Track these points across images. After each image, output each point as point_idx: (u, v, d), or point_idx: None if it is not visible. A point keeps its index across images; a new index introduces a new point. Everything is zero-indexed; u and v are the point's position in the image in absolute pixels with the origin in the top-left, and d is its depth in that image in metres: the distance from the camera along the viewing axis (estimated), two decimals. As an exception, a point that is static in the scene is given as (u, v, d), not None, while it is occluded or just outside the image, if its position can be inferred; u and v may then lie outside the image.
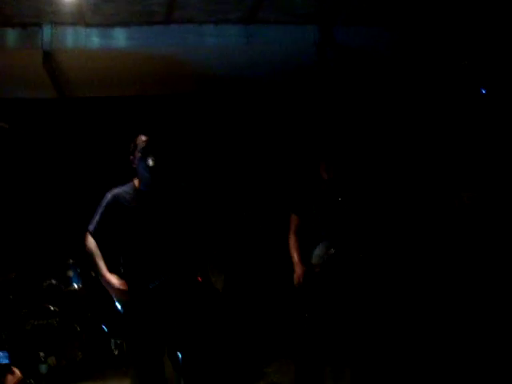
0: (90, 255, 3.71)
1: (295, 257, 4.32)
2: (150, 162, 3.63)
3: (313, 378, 4.21)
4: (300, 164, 5.98)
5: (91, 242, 3.71)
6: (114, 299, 3.70)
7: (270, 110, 6.42)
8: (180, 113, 6.39)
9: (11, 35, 5.01)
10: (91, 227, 3.74)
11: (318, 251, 4.23)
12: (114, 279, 3.62)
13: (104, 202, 3.76)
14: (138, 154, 3.71)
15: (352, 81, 5.89)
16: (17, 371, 3.07)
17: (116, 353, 5.96)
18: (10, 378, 3.02)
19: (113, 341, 5.87)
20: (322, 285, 4.17)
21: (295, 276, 4.26)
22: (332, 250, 4.14)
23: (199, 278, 3.98)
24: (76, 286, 6.06)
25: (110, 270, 3.70)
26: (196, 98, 6.36)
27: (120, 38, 5.10)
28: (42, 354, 5.57)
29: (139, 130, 3.87)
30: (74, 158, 6.64)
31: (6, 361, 3.09)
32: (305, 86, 6.09)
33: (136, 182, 3.80)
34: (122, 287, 3.61)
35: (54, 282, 6.02)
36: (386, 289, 4.40)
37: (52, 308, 5.86)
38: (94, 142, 6.51)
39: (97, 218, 3.75)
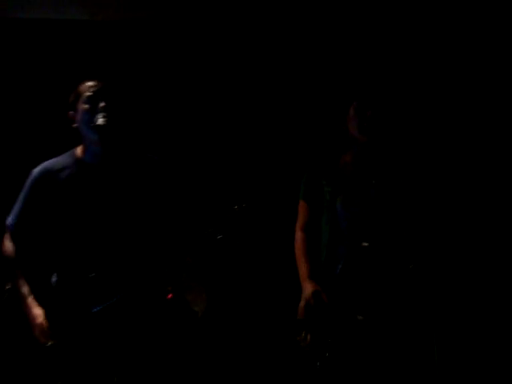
0: (6, 261, 3.03)
1: (302, 268, 3.27)
2: (100, 119, 2.85)
3: None
4: (315, 121, 4.49)
5: (9, 243, 3.02)
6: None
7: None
8: (139, 47, 4.75)
9: None
10: (10, 221, 3.05)
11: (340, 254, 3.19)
12: (36, 310, 2.88)
13: (28, 184, 3.03)
14: (82, 107, 2.94)
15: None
16: None
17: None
18: None
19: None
20: (344, 305, 3.10)
21: (301, 299, 3.19)
22: (365, 244, 3.06)
23: (169, 295, 3.25)
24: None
25: (38, 284, 3.01)
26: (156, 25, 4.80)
27: None
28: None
29: (82, 71, 3.21)
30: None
31: None
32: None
33: (78, 150, 3.04)
34: (44, 326, 2.85)
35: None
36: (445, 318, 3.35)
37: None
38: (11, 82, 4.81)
39: (18, 206, 3.04)
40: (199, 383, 4.30)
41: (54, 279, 3.05)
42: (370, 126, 3.08)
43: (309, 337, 3.11)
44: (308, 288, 3.17)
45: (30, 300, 2.94)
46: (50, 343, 2.87)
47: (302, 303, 3.16)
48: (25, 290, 2.97)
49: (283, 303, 4.32)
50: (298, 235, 3.33)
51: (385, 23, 4.52)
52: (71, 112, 3.03)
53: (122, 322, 2.93)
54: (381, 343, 3.06)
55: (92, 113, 2.92)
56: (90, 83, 3.00)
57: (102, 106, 2.90)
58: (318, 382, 3.11)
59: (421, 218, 3.14)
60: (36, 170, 3.04)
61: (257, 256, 4.70)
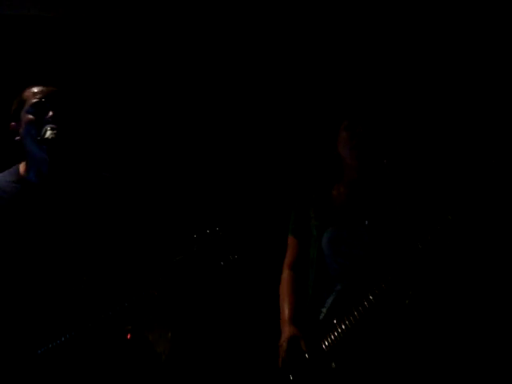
0: None
1: (285, 310, 2.95)
2: (48, 131, 2.50)
3: None
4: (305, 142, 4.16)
5: None
6: None
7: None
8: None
9: None
10: None
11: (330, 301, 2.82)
12: None
13: None
14: (27, 117, 2.58)
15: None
16: None
17: None
18: None
19: None
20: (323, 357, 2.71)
21: (280, 345, 2.87)
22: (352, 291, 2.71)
23: (128, 336, 2.92)
24: None
25: None
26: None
27: None
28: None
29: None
30: None
31: None
32: None
33: (21, 167, 2.69)
34: None
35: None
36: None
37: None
38: None
39: None
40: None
41: None
42: (361, 143, 2.77)
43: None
44: (286, 332, 2.89)
45: None
46: None
47: (280, 348, 2.85)
48: None
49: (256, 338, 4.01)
50: (285, 273, 3.04)
51: (375, 37, 4.31)
52: (13, 123, 2.67)
53: (69, 368, 2.51)
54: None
55: (38, 124, 2.56)
56: (36, 88, 2.65)
57: (51, 116, 2.55)
58: None
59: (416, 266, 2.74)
60: None
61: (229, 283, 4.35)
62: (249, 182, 4.31)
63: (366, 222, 2.77)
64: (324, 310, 2.82)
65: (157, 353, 3.93)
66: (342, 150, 2.85)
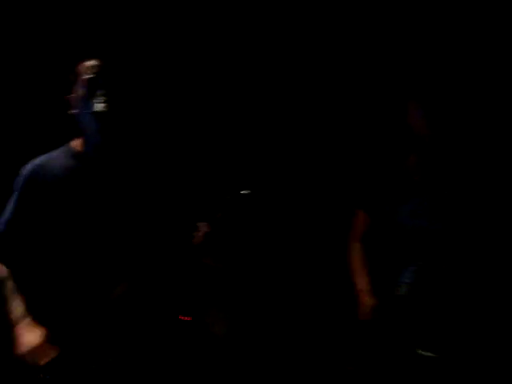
0: None
1: (361, 281, 3.35)
2: (100, 105, 2.85)
3: None
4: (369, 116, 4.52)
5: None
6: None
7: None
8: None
9: None
10: (1, 225, 2.99)
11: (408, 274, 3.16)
12: (31, 333, 2.82)
13: (20, 183, 2.98)
14: (81, 91, 2.90)
15: None
16: None
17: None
18: None
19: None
20: (404, 336, 3.13)
21: (360, 312, 3.32)
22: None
23: (186, 318, 3.53)
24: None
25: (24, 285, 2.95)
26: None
27: None
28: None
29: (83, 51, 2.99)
30: None
31: None
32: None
33: (76, 141, 3.02)
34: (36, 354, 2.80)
35: None
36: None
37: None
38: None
39: (10, 209, 2.99)
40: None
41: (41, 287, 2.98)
42: (433, 117, 3.10)
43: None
44: (367, 302, 3.27)
45: (26, 320, 2.88)
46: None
47: (361, 315, 3.28)
48: (14, 303, 2.92)
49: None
50: (355, 246, 3.42)
51: (444, 25, 4.61)
52: (68, 96, 2.98)
53: (123, 346, 2.94)
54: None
55: (91, 98, 2.87)
56: (91, 62, 2.95)
57: (102, 91, 2.86)
58: None
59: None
60: (27, 168, 3.00)
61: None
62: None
63: (446, 193, 3.15)
64: (403, 284, 3.16)
65: (214, 334, 4.38)
66: (413, 121, 3.16)
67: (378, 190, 3.37)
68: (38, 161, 3.00)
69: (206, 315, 4.09)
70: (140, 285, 3.00)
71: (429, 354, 3.07)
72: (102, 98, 2.85)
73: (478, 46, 4.46)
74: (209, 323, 4.16)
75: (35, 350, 2.83)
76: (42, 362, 2.82)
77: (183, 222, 3.20)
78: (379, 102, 4.18)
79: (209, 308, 4.17)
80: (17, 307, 2.91)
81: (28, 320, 2.87)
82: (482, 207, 3.16)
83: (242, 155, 4.68)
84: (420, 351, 3.08)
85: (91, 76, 2.90)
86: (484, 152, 3.38)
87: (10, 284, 2.95)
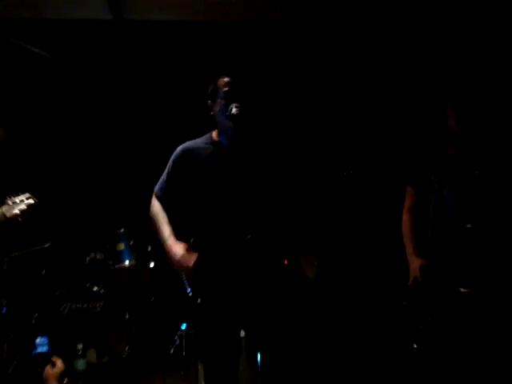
0: (153, 219, 4.00)
1: (409, 245, 4.14)
2: (234, 110, 3.71)
3: None
4: (420, 116, 5.82)
5: (156, 206, 4.00)
6: (182, 279, 3.85)
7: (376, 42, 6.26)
8: (265, 45, 6.22)
9: None
10: (157, 189, 4.03)
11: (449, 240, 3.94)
12: (177, 247, 3.79)
13: (172, 159, 3.97)
14: (220, 100, 3.82)
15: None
16: (58, 362, 3.23)
17: (172, 351, 6.23)
18: (50, 369, 3.18)
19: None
20: (448, 278, 3.91)
21: (410, 272, 4.04)
22: (469, 226, 3.88)
23: (285, 261, 4.18)
24: (128, 262, 6.09)
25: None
26: (283, 27, 6.19)
27: None
28: (79, 346, 5.63)
29: (216, 66, 4.01)
30: (130, 94, 6.63)
31: (45, 349, 3.25)
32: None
33: (214, 134, 3.96)
34: (185, 258, 3.76)
35: (99, 256, 6.12)
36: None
37: (95, 289, 5.96)
38: (158, 78, 6.46)
39: (164, 177, 4.00)
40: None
41: (191, 241, 3.92)
42: (466, 121, 3.91)
43: (414, 304, 3.97)
44: (415, 262, 3.99)
45: (172, 242, 3.83)
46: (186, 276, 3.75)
47: (411, 275, 3.98)
48: (166, 232, 3.89)
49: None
50: (406, 216, 4.21)
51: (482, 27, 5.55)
52: (210, 101, 3.87)
53: (247, 280, 3.64)
54: (482, 317, 3.81)
55: (227, 104, 3.72)
56: (226, 78, 3.83)
57: (236, 99, 3.72)
58: (420, 343, 3.93)
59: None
60: (180, 148, 3.93)
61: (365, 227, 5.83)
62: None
63: (476, 172, 3.90)
64: (445, 245, 3.93)
65: (307, 276, 5.40)
66: (452, 125, 3.99)
67: (425, 173, 4.12)
68: (187, 143, 3.95)
69: (300, 260, 5.10)
70: (262, 235, 3.69)
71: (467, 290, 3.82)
72: (235, 105, 3.69)
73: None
74: (302, 267, 5.22)
75: (183, 257, 3.74)
76: (189, 265, 3.69)
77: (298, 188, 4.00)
78: (430, 109, 5.17)
79: (302, 255, 5.18)
80: (165, 230, 3.89)
81: (173, 238, 3.83)
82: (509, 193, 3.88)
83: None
84: (461, 289, 3.83)
85: (227, 89, 3.78)
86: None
87: (162, 214, 3.97)
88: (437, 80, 5.65)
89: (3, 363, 5.24)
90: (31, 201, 3.95)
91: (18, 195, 3.95)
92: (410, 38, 6.13)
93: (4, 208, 3.88)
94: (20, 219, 3.89)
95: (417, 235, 4.14)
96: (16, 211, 3.79)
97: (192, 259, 3.72)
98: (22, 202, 3.94)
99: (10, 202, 3.92)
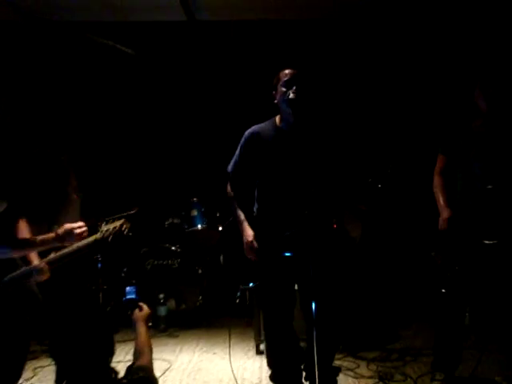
0: (229, 200, 4.06)
1: (440, 199, 4.20)
2: (291, 95, 3.74)
3: (452, 347, 4.15)
4: (450, 95, 5.96)
5: (230, 187, 4.05)
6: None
7: (416, 36, 6.36)
8: (320, 40, 6.41)
9: None
10: (230, 168, 4.06)
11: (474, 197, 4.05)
12: (249, 231, 3.90)
13: (242, 142, 4.02)
14: (281, 89, 3.84)
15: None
16: (145, 306, 3.40)
17: (237, 301, 6.44)
18: (138, 312, 3.38)
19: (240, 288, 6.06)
20: (473, 232, 4.00)
21: (440, 221, 4.13)
22: (490, 186, 3.97)
23: (334, 225, 4.14)
24: (200, 226, 6.34)
25: (246, 213, 4.00)
26: (336, 24, 6.31)
27: None
28: (161, 295, 5.95)
29: (276, 60, 4.03)
30: (204, 89, 6.84)
31: (134, 296, 3.43)
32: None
33: (277, 119, 3.98)
34: (254, 244, 3.87)
35: (176, 221, 6.37)
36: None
37: (173, 248, 6.22)
38: (227, 72, 6.65)
39: (235, 158, 4.05)
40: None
41: (255, 208, 3.98)
42: (492, 99, 4.01)
43: (442, 254, 4.12)
44: (445, 212, 4.11)
45: (246, 224, 3.90)
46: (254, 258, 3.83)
47: (440, 223, 4.09)
48: (241, 216, 3.93)
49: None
50: (437, 177, 4.28)
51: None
52: (274, 92, 3.88)
53: (303, 242, 3.66)
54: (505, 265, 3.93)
55: (287, 92, 3.75)
56: (287, 71, 3.83)
57: (294, 88, 3.74)
58: (448, 291, 4.07)
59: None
60: (248, 132, 3.97)
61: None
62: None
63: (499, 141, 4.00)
64: (471, 202, 4.04)
65: (352, 237, 5.57)
66: (479, 101, 4.07)
67: (454, 141, 4.20)
68: (254, 127, 3.99)
69: (348, 225, 5.26)
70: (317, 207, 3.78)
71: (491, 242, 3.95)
72: (291, 91, 3.73)
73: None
74: (349, 230, 5.36)
75: (251, 242, 3.84)
76: (249, 256, 3.82)
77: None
78: (462, 88, 5.17)
79: (349, 219, 5.35)
80: (240, 214, 3.95)
81: (246, 223, 3.91)
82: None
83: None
84: (485, 241, 3.96)
85: (286, 78, 3.81)
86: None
87: (234, 198, 4.01)
88: (466, 65, 5.80)
89: (100, 307, 5.56)
90: (125, 225, 3.64)
91: (113, 221, 3.63)
92: (435, 30, 6.28)
93: (97, 235, 3.55)
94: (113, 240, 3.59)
95: (447, 192, 4.24)
96: (109, 236, 3.67)
97: (254, 246, 3.85)
98: (114, 228, 3.60)
99: (102, 228, 3.60)
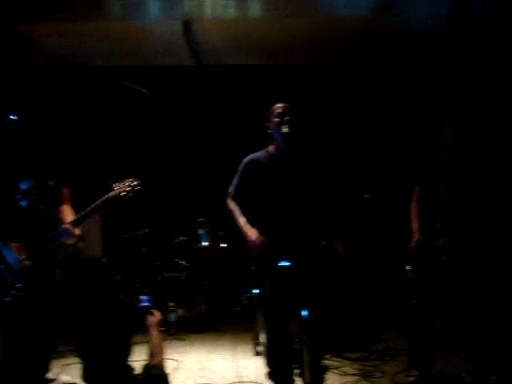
0: (230, 212, 3.97)
1: (414, 224, 4.26)
2: (285, 129, 3.72)
3: (425, 347, 4.16)
4: (424, 132, 5.99)
5: (231, 202, 3.99)
6: (250, 254, 3.86)
7: (399, 80, 6.45)
8: (311, 83, 6.51)
9: (154, 6, 5.23)
10: (231, 189, 4.02)
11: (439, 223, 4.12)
12: (251, 231, 3.78)
13: (241, 167, 4.00)
14: (274, 120, 3.83)
15: (482, 52, 5.73)
16: (157, 313, 3.43)
17: (239, 309, 6.46)
18: (151, 318, 3.41)
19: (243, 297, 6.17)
20: (434, 250, 4.08)
21: (411, 242, 4.20)
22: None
23: (323, 242, 4.07)
24: (205, 243, 6.44)
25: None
26: (327, 70, 6.42)
27: (255, 8, 5.17)
28: (171, 304, 6.00)
29: (273, 98, 3.98)
30: (208, 123, 6.96)
31: (147, 304, 3.46)
32: (433, 56, 6.00)
33: (271, 148, 3.96)
34: (258, 241, 3.76)
35: (184, 238, 6.46)
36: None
37: (182, 262, 6.29)
38: (228, 108, 6.78)
39: (235, 182, 4.02)
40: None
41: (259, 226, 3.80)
42: (456, 137, 4.11)
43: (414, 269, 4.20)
44: (416, 236, 4.20)
45: (248, 226, 3.79)
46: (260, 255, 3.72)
47: (411, 244, 4.17)
48: (243, 220, 3.84)
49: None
50: (413, 205, 4.34)
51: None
52: (267, 123, 3.88)
53: (293, 256, 3.66)
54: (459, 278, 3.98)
55: (280, 123, 3.75)
56: (279, 104, 3.86)
57: (287, 120, 3.72)
58: (418, 300, 4.11)
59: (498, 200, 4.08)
60: (247, 159, 3.98)
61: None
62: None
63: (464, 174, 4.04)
64: (437, 226, 4.13)
65: (339, 252, 5.55)
66: (447, 137, 4.16)
67: (427, 173, 4.29)
68: (253, 155, 3.99)
69: (335, 242, 5.29)
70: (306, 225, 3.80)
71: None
72: (286, 125, 3.72)
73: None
74: (336, 247, 5.38)
75: (255, 238, 3.73)
76: (258, 244, 3.70)
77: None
78: (431, 125, 5.22)
79: (336, 238, 5.37)
80: (242, 219, 3.85)
81: (248, 225, 3.80)
82: (492, 190, 4.05)
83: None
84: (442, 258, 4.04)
85: (279, 110, 3.82)
86: (492, 155, 4.27)
87: (237, 210, 3.92)
88: (436, 108, 5.83)
89: (118, 314, 5.56)
90: (135, 182, 3.79)
91: (123, 181, 3.80)
92: (416, 79, 6.43)
93: (111, 193, 3.72)
94: (126, 196, 3.74)
95: (420, 217, 4.31)
96: (121, 193, 3.72)
97: (260, 240, 3.77)
98: (125, 186, 3.75)
99: (115, 187, 3.77)
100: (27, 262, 3.64)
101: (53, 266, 3.76)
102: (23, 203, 3.78)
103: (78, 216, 3.76)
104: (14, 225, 3.77)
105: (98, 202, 3.70)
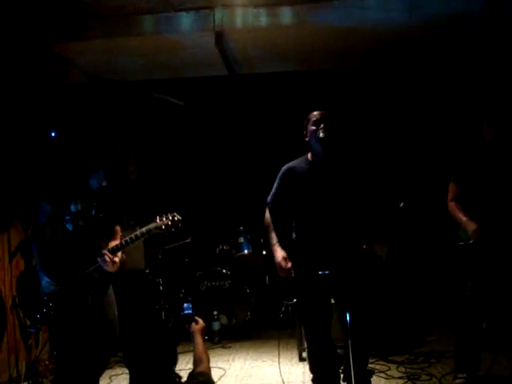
0: (266, 226, 4.02)
1: (462, 217, 4.03)
2: (321, 134, 3.72)
3: (472, 350, 4.07)
4: (462, 129, 5.94)
5: (268, 216, 4.02)
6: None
7: (434, 80, 6.40)
8: (345, 87, 6.53)
9: (186, 19, 5.33)
10: (269, 200, 4.05)
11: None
12: (279, 253, 3.85)
13: (279, 176, 4.03)
14: (311, 128, 3.84)
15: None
16: (200, 320, 3.47)
17: (281, 316, 6.47)
18: (195, 325, 3.45)
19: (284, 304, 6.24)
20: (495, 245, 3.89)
21: (470, 233, 3.94)
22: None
23: (364, 246, 4.14)
24: (246, 251, 6.43)
25: (283, 238, 3.96)
26: (360, 72, 6.39)
27: (286, 16, 5.22)
28: (214, 312, 6.04)
29: (309, 104, 4.03)
30: (244, 132, 7.02)
31: (190, 311, 3.51)
32: (466, 54, 5.96)
33: (309, 155, 3.97)
34: (283, 264, 3.82)
35: (225, 247, 6.51)
36: None
37: (224, 271, 6.34)
38: (263, 117, 6.82)
39: (273, 191, 4.05)
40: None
41: (293, 236, 3.97)
42: (496, 132, 4.01)
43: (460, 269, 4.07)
44: (472, 226, 3.94)
45: (276, 246, 3.85)
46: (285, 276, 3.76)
47: (472, 234, 3.91)
48: (274, 240, 3.89)
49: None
50: (451, 203, 4.18)
51: None
52: (305, 131, 3.91)
53: (337, 261, 3.67)
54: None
55: (317, 131, 3.75)
56: (315, 112, 3.88)
57: (323, 127, 3.74)
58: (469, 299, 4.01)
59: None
60: (284, 167, 4.00)
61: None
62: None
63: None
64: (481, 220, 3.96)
65: (379, 256, 5.53)
66: (487, 136, 4.08)
67: (464, 170, 4.14)
68: (290, 163, 4.00)
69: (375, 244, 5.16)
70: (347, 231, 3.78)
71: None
72: (321, 130, 3.73)
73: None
74: (376, 249, 5.28)
75: (281, 261, 3.80)
76: (283, 268, 3.76)
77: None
78: (469, 122, 5.22)
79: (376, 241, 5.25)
80: (274, 237, 3.91)
81: (278, 245, 3.87)
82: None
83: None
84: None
85: (315, 118, 3.84)
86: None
87: (271, 226, 3.97)
88: (476, 105, 5.79)
89: (163, 323, 5.66)
90: (176, 217, 3.82)
91: (166, 215, 3.82)
92: (451, 76, 6.39)
93: (152, 224, 3.79)
94: (165, 232, 3.81)
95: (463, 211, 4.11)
96: (162, 226, 3.77)
97: (286, 264, 3.82)
98: (167, 220, 3.78)
99: (157, 220, 3.80)
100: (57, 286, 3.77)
101: (83, 292, 3.82)
102: (69, 226, 3.84)
103: (118, 244, 3.84)
104: (55, 247, 3.88)
105: (137, 233, 3.79)
